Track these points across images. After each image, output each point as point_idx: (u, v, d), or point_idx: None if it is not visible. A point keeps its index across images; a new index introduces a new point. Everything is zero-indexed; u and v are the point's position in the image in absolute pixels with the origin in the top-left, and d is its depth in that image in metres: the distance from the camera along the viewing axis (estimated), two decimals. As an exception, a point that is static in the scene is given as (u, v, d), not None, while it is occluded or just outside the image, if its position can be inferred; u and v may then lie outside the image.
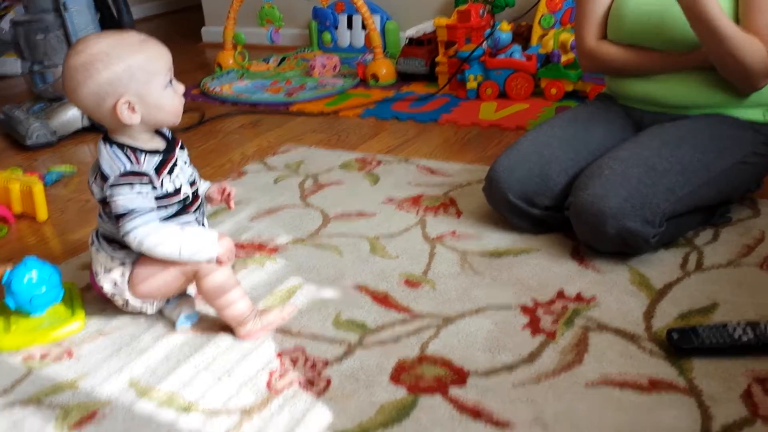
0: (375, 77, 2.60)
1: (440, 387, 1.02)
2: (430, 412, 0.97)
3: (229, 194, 1.25)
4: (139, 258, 1.15)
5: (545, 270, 1.30)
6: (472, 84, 2.34)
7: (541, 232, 1.42)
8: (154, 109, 1.09)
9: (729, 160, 1.34)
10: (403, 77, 2.63)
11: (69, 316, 1.22)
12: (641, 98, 1.49)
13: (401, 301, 1.24)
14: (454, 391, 1.01)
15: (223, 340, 1.16)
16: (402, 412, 0.98)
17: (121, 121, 1.07)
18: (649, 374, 1.01)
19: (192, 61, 3.30)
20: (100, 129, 2.25)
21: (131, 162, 1.08)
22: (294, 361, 1.10)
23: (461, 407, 0.98)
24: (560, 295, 1.22)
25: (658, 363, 1.04)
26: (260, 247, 1.47)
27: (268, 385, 1.05)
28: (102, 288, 1.18)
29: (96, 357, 1.15)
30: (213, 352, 1.13)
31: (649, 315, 1.15)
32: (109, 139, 1.11)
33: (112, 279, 1.17)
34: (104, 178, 1.08)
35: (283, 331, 1.17)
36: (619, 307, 1.17)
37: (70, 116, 2.25)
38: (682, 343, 1.04)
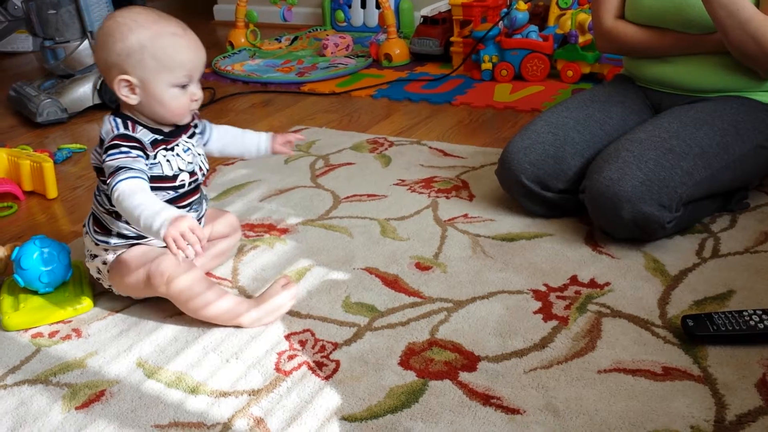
0: (388, 57, 2.57)
1: (450, 372, 1.01)
2: (440, 396, 0.96)
3: (290, 141, 1.29)
4: (118, 256, 1.15)
5: (558, 255, 1.28)
6: (487, 65, 2.31)
7: (554, 217, 1.40)
8: (154, 101, 1.07)
9: (749, 144, 1.31)
10: (417, 58, 2.60)
11: (78, 294, 1.22)
12: (659, 80, 1.45)
13: (411, 284, 1.22)
14: (464, 376, 1.00)
15: (232, 321, 1.15)
16: (411, 396, 0.97)
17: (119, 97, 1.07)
18: (663, 361, 1.00)
19: (203, 39, 3.24)
20: (111, 106, 2.26)
21: (126, 128, 1.08)
22: (303, 344, 1.09)
23: (471, 392, 0.97)
24: (573, 280, 1.20)
25: (672, 350, 1.02)
26: (270, 227, 1.45)
27: (277, 367, 1.04)
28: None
29: (104, 336, 1.14)
30: (221, 333, 1.13)
31: (663, 301, 1.13)
32: (116, 112, 1.11)
33: (95, 266, 1.18)
34: (101, 143, 1.09)
35: (292, 313, 1.16)
36: (634, 293, 1.15)
37: (81, 93, 2.24)
38: (697, 330, 1.02)
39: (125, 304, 1.22)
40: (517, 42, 2.26)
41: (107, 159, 1.06)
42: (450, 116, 2.06)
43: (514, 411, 0.93)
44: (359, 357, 1.05)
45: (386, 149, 1.82)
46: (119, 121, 1.09)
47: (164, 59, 1.04)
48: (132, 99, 1.07)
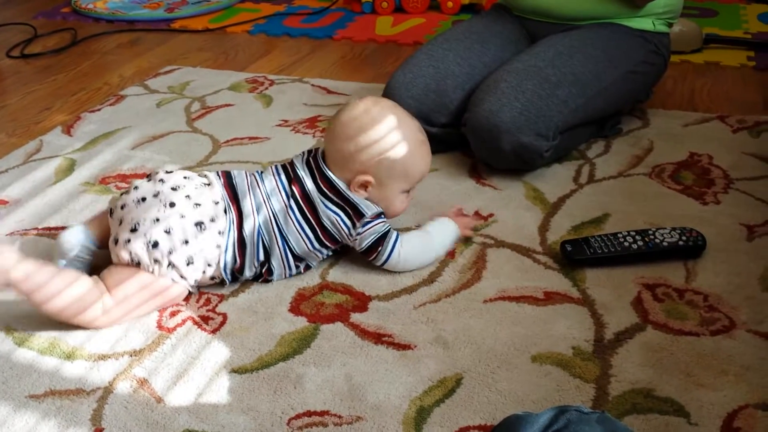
0: (264, -10, 2.46)
1: (342, 314, 1.00)
2: (332, 339, 0.95)
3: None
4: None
5: (444, 189, 1.28)
6: (366, -4, 2.25)
7: (439, 151, 1.39)
8: (382, 200, 1.07)
9: (620, 70, 1.35)
10: (294, -10, 2.50)
11: (-71, 263, 1.10)
12: (534, 9, 1.46)
13: (298, 227, 1.19)
14: (356, 316, 0.99)
15: (108, 279, 1.08)
16: (303, 342, 0.95)
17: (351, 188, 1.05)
18: (544, 287, 1.03)
19: (60, -26, 3.00)
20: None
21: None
22: (186, 299, 1.04)
23: (363, 332, 0.96)
24: (459, 213, 1.21)
25: (552, 275, 1.05)
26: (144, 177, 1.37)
27: (159, 325, 1.00)
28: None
29: (-36, 306, 1.05)
30: (97, 293, 1.06)
31: (544, 229, 1.16)
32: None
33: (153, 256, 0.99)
34: (360, 214, 1.04)
35: (174, 266, 1.11)
36: (516, 223, 1.18)
37: None
38: (575, 254, 1.06)
39: (-14, 269, 1.12)
40: (396, -28, 2.21)
41: (377, 224, 1.05)
42: (332, 52, 2.00)
43: (405, 347, 0.94)
44: (248, 307, 1.02)
45: (267, 89, 1.75)
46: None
47: (409, 168, 1.07)
48: (360, 194, 1.06)
